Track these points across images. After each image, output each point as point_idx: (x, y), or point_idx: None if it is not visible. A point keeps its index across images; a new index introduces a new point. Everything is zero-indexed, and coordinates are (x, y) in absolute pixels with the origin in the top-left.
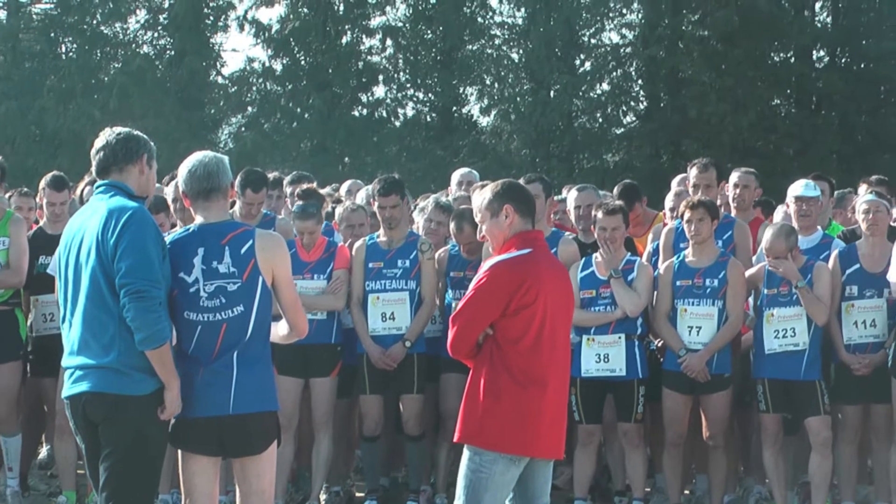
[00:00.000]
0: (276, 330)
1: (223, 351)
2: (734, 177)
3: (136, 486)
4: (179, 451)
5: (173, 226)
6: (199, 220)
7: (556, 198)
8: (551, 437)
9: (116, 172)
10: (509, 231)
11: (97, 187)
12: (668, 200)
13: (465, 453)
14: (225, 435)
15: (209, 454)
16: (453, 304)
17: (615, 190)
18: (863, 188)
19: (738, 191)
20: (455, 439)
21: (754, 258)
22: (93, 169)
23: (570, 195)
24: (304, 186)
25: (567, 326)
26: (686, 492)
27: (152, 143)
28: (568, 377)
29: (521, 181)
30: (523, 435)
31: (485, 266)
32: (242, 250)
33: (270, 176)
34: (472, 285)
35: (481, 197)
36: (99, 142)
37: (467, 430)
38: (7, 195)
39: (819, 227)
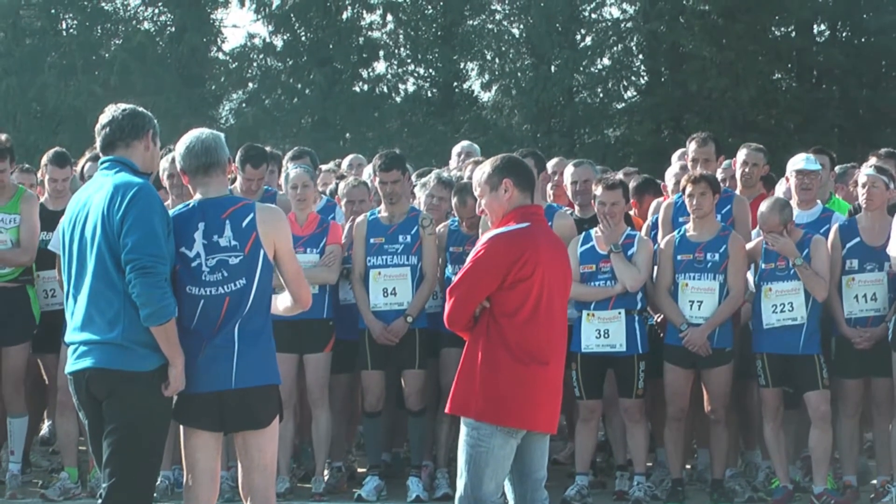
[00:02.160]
0: (276, 303)
1: (225, 325)
2: (742, 154)
3: (139, 462)
4: (181, 427)
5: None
6: (198, 195)
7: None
8: (547, 411)
9: (122, 148)
10: (508, 205)
11: (102, 163)
12: (669, 175)
13: (463, 428)
14: (227, 409)
15: (211, 429)
16: (454, 279)
17: (631, 184)
18: (871, 160)
19: (746, 168)
20: (447, 410)
21: (754, 232)
22: (97, 144)
23: (567, 170)
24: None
25: (564, 301)
26: (687, 466)
27: (156, 120)
28: (564, 351)
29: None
30: (520, 408)
31: (483, 239)
32: (244, 224)
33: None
34: (469, 258)
35: (481, 171)
36: (104, 118)
37: (462, 401)
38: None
39: (819, 201)
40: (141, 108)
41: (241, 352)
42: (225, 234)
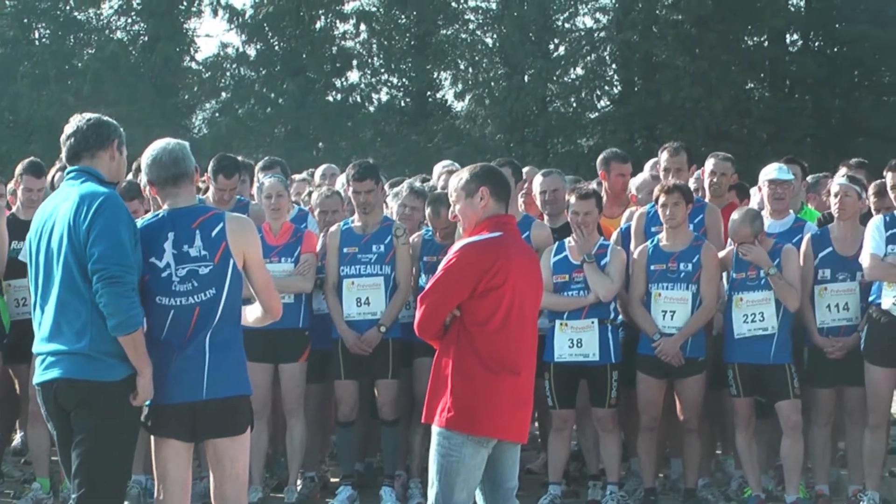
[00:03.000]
0: (245, 314)
1: (195, 335)
2: (710, 164)
3: (108, 472)
4: (152, 438)
5: (147, 211)
6: (166, 206)
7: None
8: (518, 420)
9: (88, 158)
10: (482, 213)
11: (68, 173)
12: (634, 184)
13: (434, 437)
14: (198, 420)
15: (183, 439)
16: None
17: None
18: (842, 171)
19: (714, 178)
20: (422, 419)
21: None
22: (63, 155)
23: (536, 180)
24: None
25: (535, 311)
26: (661, 475)
27: (122, 129)
28: (535, 361)
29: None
30: (490, 417)
31: (455, 247)
32: (213, 233)
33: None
34: (441, 266)
35: (458, 177)
36: (69, 128)
37: (434, 411)
38: None
39: (791, 211)
40: (106, 118)
41: (211, 362)
42: (195, 244)
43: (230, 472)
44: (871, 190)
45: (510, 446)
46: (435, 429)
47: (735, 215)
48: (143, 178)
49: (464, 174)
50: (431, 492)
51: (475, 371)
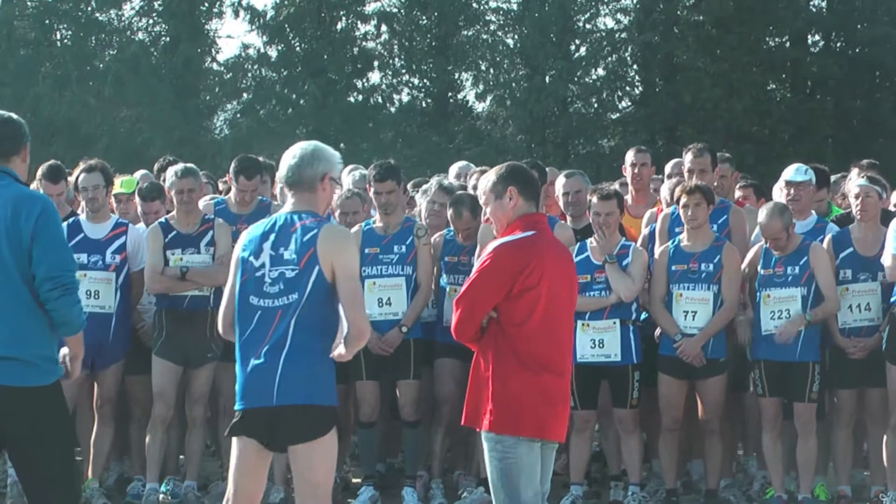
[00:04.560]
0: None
1: (273, 338)
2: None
3: (54, 474)
4: (233, 442)
5: (168, 212)
6: (287, 207)
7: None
8: (558, 420)
9: (3, 159)
10: (513, 213)
11: None
12: (665, 189)
13: (485, 444)
14: (273, 426)
15: (261, 443)
16: (448, 289)
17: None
18: (854, 172)
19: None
20: (462, 422)
21: (752, 240)
22: None
23: (558, 182)
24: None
25: (570, 310)
26: (682, 476)
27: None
28: (571, 360)
29: None
30: (534, 417)
31: (488, 248)
32: (306, 238)
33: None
34: (475, 267)
35: (486, 179)
36: None
37: (476, 414)
38: None
39: (813, 212)
40: (15, 116)
41: (285, 368)
42: (290, 248)
43: (305, 480)
44: None
45: (548, 448)
46: (483, 433)
47: (763, 211)
48: (167, 179)
49: (491, 176)
50: (497, 498)
51: (515, 372)
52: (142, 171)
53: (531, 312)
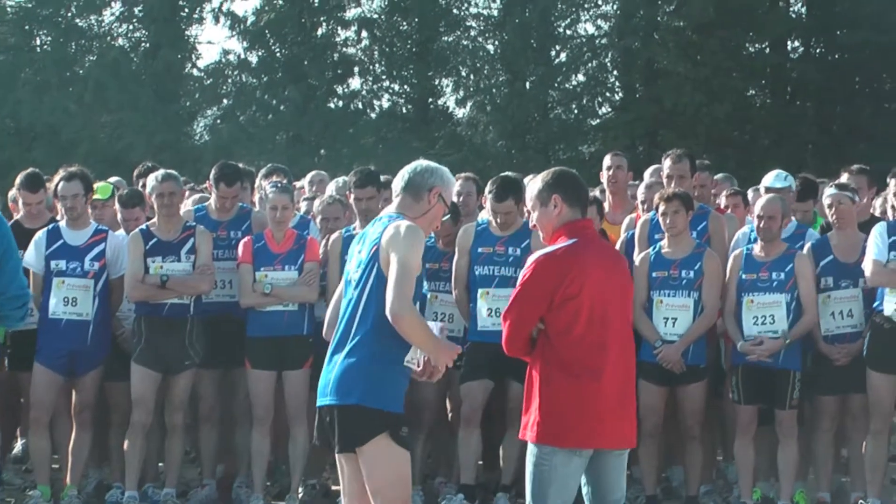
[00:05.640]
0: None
1: (340, 337)
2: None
3: None
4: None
5: (149, 219)
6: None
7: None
8: (615, 427)
9: None
10: (557, 221)
11: None
12: (640, 192)
13: (529, 450)
14: (332, 426)
15: (329, 446)
16: (429, 297)
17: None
18: (844, 177)
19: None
20: (519, 436)
21: (731, 246)
22: None
23: None
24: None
25: (622, 313)
26: (662, 483)
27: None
28: (632, 364)
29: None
30: (580, 427)
31: (530, 259)
32: (375, 235)
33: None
34: (518, 280)
35: (533, 186)
36: None
37: (525, 425)
38: None
39: (793, 218)
40: None
41: (342, 367)
42: (364, 248)
43: (370, 486)
44: None
45: (613, 455)
46: (529, 443)
47: (763, 201)
48: (147, 185)
49: (537, 183)
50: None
51: (560, 381)
52: (115, 179)
53: (575, 320)
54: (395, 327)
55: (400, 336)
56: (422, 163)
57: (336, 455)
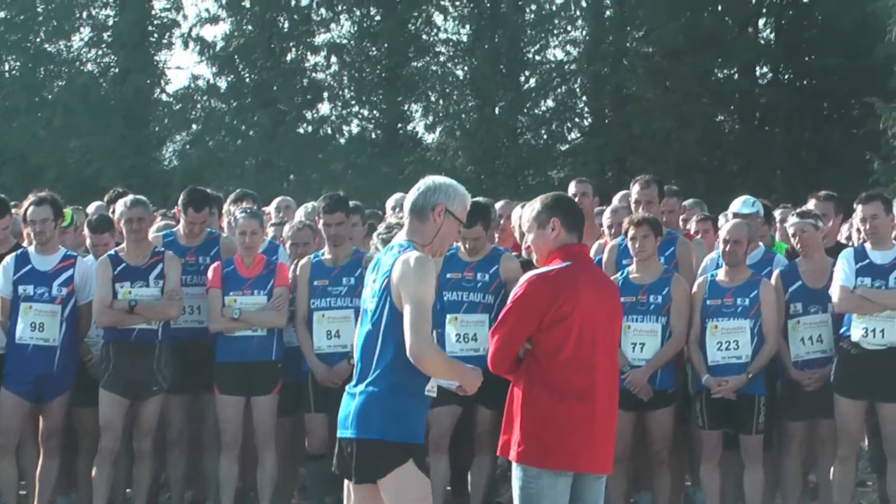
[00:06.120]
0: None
1: (361, 370)
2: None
3: None
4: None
5: (118, 244)
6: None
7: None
8: (597, 451)
9: None
10: (554, 244)
11: None
12: (606, 218)
13: (514, 471)
14: (350, 458)
15: (347, 477)
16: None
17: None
18: (811, 203)
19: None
20: (497, 452)
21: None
22: None
23: (515, 213)
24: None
25: (612, 339)
26: None
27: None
28: (616, 391)
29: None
30: (564, 450)
31: (522, 279)
32: (386, 267)
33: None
34: (510, 299)
35: (531, 207)
36: None
37: (507, 444)
38: None
39: (761, 244)
40: None
41: (361, 400)
42: (378, 278)
43: None
44: None
45: (592, 479)
46: (513, 463)
47: (729, 225)
48: (116, 211)
49: (535, 205)
50: None
51: (545, 402)
52: (96, 203)
53: (564, 342)
54: (419, 367)
55: (418, 369)
56: (427, 181)
57: (349, 485)
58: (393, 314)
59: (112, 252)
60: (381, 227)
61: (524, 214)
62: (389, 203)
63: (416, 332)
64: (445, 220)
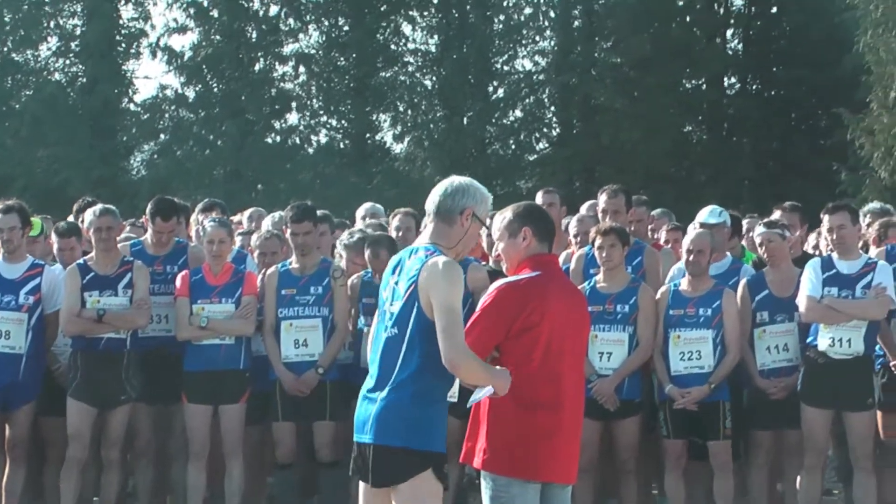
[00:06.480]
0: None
1: (381, 374)
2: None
3: None
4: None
5: (85, 253)
6: (420, 239)
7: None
8: (562, 461)
9: None
10: (525, 253)
11: None
12: (572, 226)
13: (482, 482)
14: (367, 463)
15: (364, 480)
16: (365, 331)
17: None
18: (776, 214)
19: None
20: (460, 459)
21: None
22: None
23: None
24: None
25: (580, 349)
26: None
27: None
28: (583, 400)
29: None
30: (531, 458)
31: (491, 287)
32: (412, 272)
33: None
34: (478, 306)
35: (502, 216)
36: None
37: (472, 452)
38: None
39: (728, 254)
40: None
41: (383, 406)
42: (402, 281)
43: None
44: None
45: (558, 489)
46: (482, 472)
47: (692, 235)
48: (85, 220)
49: (507, 214)
50: None
51: (511, 411)
52: (41, 216)
53: (531, 351)
54: (455, 374)
55: (443, 375)
56: (453, 182)
57: (364, 490)
58: (420, 321)
59: (81, 261)
60: (344, 235)
61: (495, 223)
62: (359, 213)
63: (451, 338)
64: (473, 224)
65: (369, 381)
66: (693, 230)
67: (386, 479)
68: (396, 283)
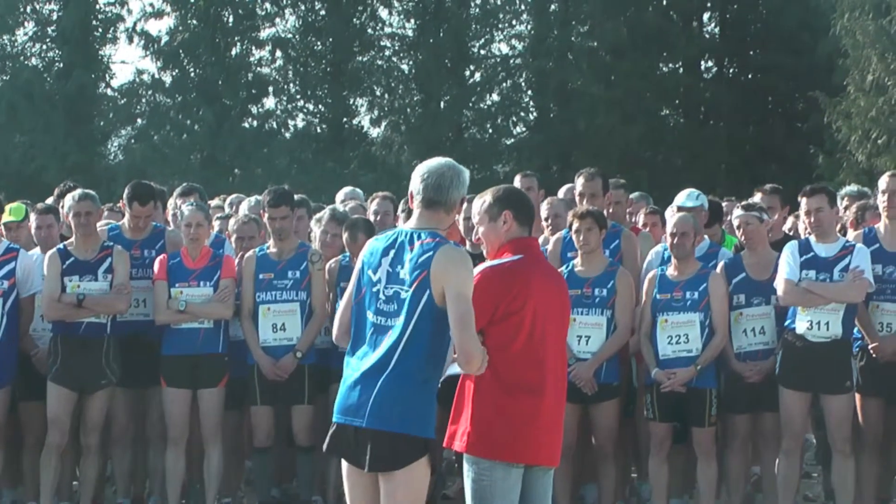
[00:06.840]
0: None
1: (378, 358)
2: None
3: None
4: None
5: (64, 238)
6: (410, 222)
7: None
8: (546, 444)
9: None
10: (505, 237)
11: None
12: (543, 209)
13: (464, 465)
14: (359, 447)
15: (353, 463)
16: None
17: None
18: (757, 196)
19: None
20: (444, 444)
21: (644, 266)
22: None
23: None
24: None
25: (561, 333)
26: (576, 501)
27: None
28: (565, 384)
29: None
30: (515, 442)
31: (475, 271)
32: (421, 259)
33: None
34: None
35: (481, 200)
36: None
37: (453, 434)
38: None
39: (706, 237)
40: None
41: (381, 391)
42: (405, 267)
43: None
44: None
45: (541, 472)
46: (465, 455)
47: (675, 218)
48: (65, 205)
49: (487, 197)
50: None
51: (494, 395)
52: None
53: (515, 336)
54: (465, 367)
55: (441, 363)
56: (448, 171)
57: (349, 470)
58: (429, 310)
59: (61, 246)
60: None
61: (474, 207)
62: (339, 196)
63: (467, 329)
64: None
65: (357, 363)
66: (674, 213)
67: (384, 465)
68: (393, 266)
